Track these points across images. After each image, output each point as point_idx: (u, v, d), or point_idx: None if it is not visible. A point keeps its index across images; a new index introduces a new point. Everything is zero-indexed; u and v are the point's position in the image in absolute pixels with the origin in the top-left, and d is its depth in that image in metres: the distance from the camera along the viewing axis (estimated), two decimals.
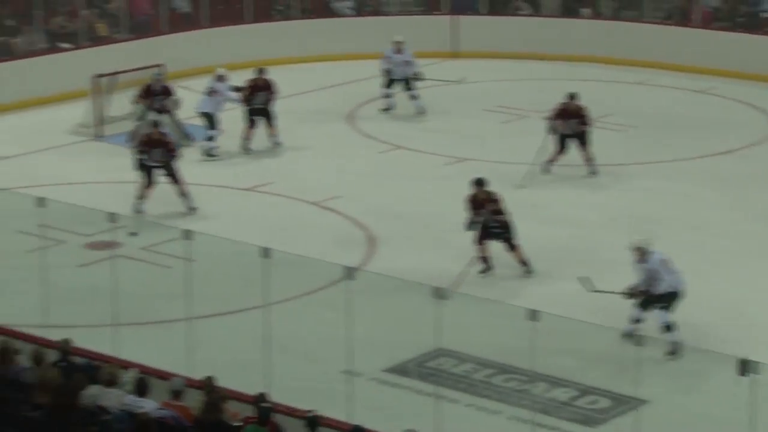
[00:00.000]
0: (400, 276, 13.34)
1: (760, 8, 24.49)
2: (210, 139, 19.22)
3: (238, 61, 22.76)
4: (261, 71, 19.64)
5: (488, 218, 14.81)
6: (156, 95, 19.60)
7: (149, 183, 16.73)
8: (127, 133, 19.15)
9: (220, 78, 19.45)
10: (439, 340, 11.35)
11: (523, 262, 14.80)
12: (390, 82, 21.43)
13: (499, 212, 14.85)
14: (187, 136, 19.72)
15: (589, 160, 18.28)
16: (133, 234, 14.90)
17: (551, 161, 18.22)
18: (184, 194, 16.76)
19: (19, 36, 22.74)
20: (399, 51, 21.27)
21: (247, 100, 19.43)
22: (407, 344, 12.64)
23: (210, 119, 19.23)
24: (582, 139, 18.25)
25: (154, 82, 19.68)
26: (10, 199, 15.39)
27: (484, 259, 14.82)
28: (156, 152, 16.71)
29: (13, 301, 13.51)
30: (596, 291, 13.18)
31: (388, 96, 21.46)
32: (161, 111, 19.46)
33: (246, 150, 19.36)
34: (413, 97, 21.34)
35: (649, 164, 18.92)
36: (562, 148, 18.18)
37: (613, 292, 12.83)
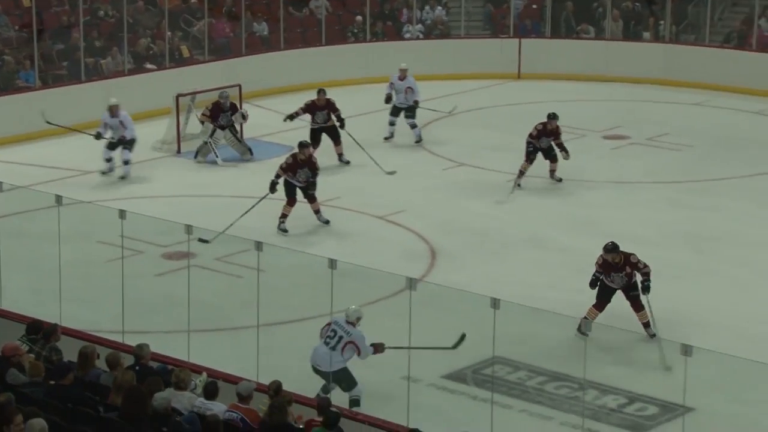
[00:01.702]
0: (459, 287, 13.39)
1: None
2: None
3: (311, 81, 22.97)
4: (320, 92, 19.75)
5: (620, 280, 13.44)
6: (224, 112, 19.94)
7: (293, 202, 16.86)
8: (197, 149, 19.63)
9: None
10: (495, 348, 11.38)
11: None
12: (394, 110, 20.90)
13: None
14: (248, 151, 20.04)
15: (553, 172, 18.54)
16: (203, 241, 14.99)
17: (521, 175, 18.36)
18: (318, 211, 16.99)
19: (107, 57, 23.06)
20: (403, 78, 20.76)
21: (311, 119, 19.64)
22: (464, 352, 12.66)
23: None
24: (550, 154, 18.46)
25: (223, 100, 19.99)
26: (93, 211, 15.64)
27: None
28: (302, 173, 16.81)
29: (94, 308, 13.74)
30: None
31: (392, 124, 20.97)
32: (225, 127, 19.87)
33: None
34: (412, 126, 20.81)
35: (705, 182, 18.79)
36: (531, 160, 18.38)
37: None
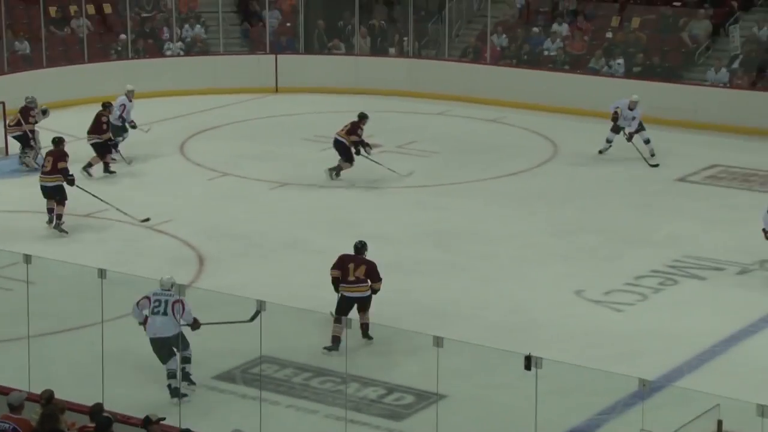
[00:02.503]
0: (227, 291, 13.22)
1: (542, 47, 25.11)
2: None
3: (76, 97, 22.35)
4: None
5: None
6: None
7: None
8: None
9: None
10: (262, 348, 11.27)
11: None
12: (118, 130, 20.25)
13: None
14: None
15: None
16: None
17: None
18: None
19: None
20: (131, 99, 20.30)
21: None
22: (234, 353, 12.52)
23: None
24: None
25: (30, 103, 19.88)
26: None
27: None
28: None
29: None
30: None
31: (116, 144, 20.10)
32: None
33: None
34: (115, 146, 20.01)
35: (450, 185, 19.17)
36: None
37: None
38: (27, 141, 19.77)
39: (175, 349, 11.76)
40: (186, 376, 11.86)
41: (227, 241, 16.51)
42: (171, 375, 11.72)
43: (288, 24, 26.44)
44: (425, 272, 15.34)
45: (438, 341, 9.93)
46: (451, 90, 24.66)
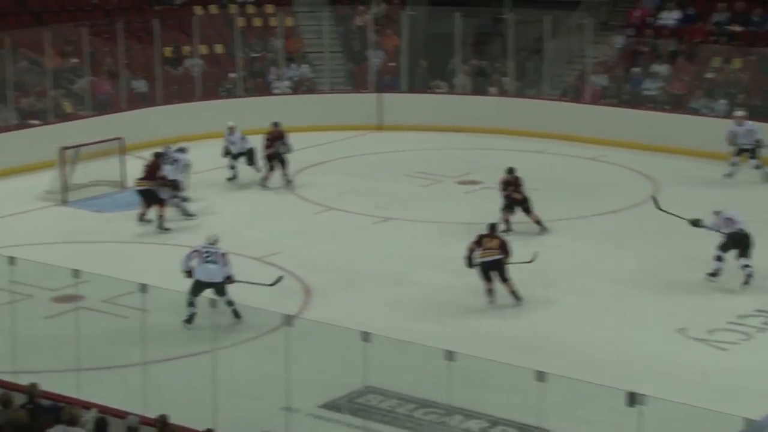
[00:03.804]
0: (332, 322, 13.29)
1: (642, 87, 24.90)
2: (184, 200, 19.17)
3: (188, 133, 22.75)
4: (275, 124, 20.67)
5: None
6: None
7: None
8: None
9: (181, 149, 19.53)
10: (367, 378, 11.29)
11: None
12: (233, 156, 21.03)
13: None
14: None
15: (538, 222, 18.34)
16: None
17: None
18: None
19: None
20: (232, 132, 20.99)
21: (267, 148, 20.60)
22: (339, 383, 12.56)
23: (176, 185, 19.12)
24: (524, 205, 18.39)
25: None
26: None
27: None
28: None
29: None
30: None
31: (232, 167, 21.07)
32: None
33: (264, 187, 20.63)
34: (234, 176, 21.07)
35: (550, 222, 19.03)
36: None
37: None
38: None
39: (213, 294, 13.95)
40: (235, 313, 14.19)
41: (332, 273, 16.61)
42: (192, 304, 14.00)
43: (391, 63, 26.62)
44: (523, 308, 15.23)
45: (540, 376, 9.84)
46: (549, 128, 24.56)
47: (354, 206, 19.86)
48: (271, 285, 13.53)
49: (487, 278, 15.27)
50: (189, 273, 14.43)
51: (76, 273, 12.07)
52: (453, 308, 15.36)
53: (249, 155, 21.12)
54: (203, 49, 25.86)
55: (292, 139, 21.20)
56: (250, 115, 23.76)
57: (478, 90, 26.04)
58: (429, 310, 15.22)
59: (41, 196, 20.24)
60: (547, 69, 25.59)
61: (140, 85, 24.85)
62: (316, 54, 26.75)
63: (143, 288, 11.65)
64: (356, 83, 26.61)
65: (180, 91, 25.21)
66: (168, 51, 25.54)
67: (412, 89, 26.15)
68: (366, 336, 10.67)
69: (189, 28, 25.35)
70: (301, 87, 26.31)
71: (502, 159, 23.01)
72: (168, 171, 19.06)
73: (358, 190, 20.88)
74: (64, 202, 20.07)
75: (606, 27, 26.49)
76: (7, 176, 21.42)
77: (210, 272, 14.33)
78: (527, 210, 18.37)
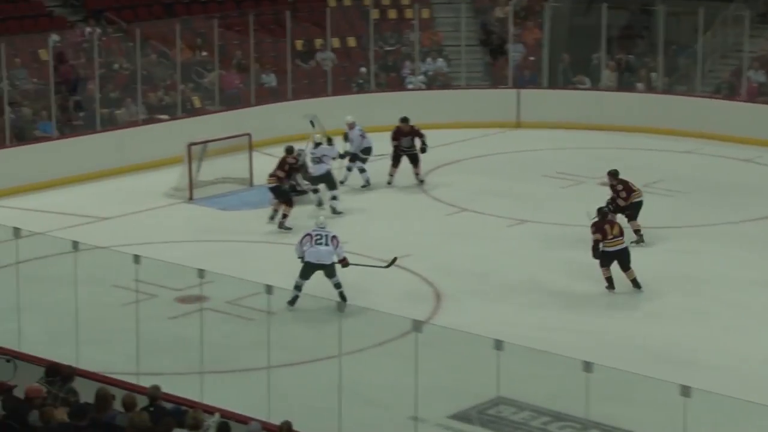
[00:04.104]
0: (463, 329, 13.28)
1: None
2: (334, 198, 19.44)
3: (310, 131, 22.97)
4: (404, 120, 20.81)
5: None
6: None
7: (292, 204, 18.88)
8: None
9: (317, 144, 19.71)
10: (499, 388, 11.26)
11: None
12: (351, 156, 20.91)
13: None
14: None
15: (636, 231, 17.83)
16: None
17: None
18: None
19: (121, 108, 23.08)
20: (351, 128, 20.89)
21: (394, 144, 20.77)
22: (470, 393, 12.54)
23: (329, 179, 19.47)
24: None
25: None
26: (109, 257, 15.58)
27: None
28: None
29: (109, 351, 13.62)
30: None
31: (349, 169, 20.93)
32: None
33: (390, 183, 20.88)
34: (362, 170, 20.86)
35: (699, 227, 18.70)
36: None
37: None
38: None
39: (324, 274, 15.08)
40: (341, 296, 15.08)
41: (464, 278, 16.61)
42: (298, 288, 15.00)
43: (532, 58, 26.48)
44: (667, 317, 15.00)
45: (685, 391, 9.67)
46: (701, 127, 24.09)
47: (489, 207, 19.81)
48: (386, 267, 13.70)
49: (608, 266, 15.81)
50: (303, 259, 15.41)
51: (200, 273, 12.32)
52: (591, 316, 15.22)
53: (364, 154, 20.87)
54: (335, 43, 26.11)
55: (426, 136, 21.22)
56: (381, 111, 23.92)
57: (624, 86, 25.69)
58: (566, 317, 15.09)
59: (167, 193, 20.69)
60: (700, 64, 25.10)
61: (270, 80, 25.22)
62: (453, 48, 26.76)
63: (269, 289, 11.81)
64: (494, 78, 26.54)
65: (310, 86, 25.50)
66: (299, 44, 25.85)
67: (552, 85, 25.96)
68: (499, 344, 10.63)
69: (322, 20, 25.53)
70: (436, 82, 26.36)
71: (649, 159, 22.74)
72: (318, 168, 19.37)
73: (494, 190, 20.82)
74: (190, 199, 20.49)
75: (765, 20, 25.85)
76: (134, 172, 21.94)
77: (320, 254, 15.23)
78: (630, 216, 17.80)
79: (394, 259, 14.70)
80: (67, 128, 22.36)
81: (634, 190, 17.86)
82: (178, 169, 20.90)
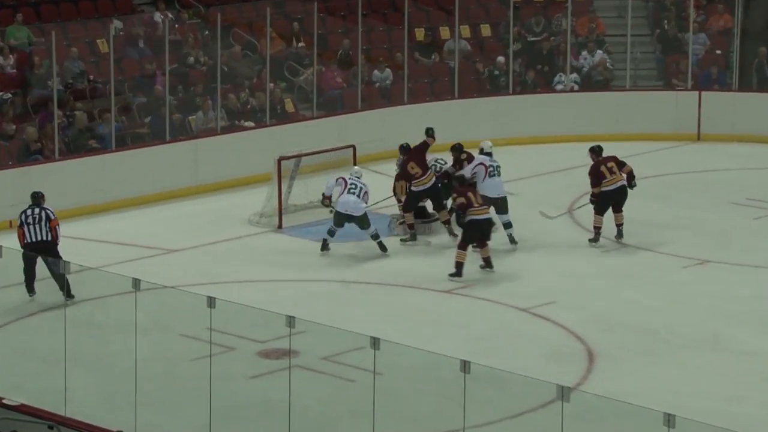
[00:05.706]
0: (622, 398, 13.25)
1: None
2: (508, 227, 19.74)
3: (438, 143, 23.05)
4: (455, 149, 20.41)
5: None
6: None
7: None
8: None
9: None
10: None
11: None
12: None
13: None
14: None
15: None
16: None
17: None
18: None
19: (196, 112, 23.21)
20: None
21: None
22: None
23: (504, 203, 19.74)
24: None
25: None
26: (177, 298, 15.80)
27: None
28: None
29: (175, 416, 13.86)
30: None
31: None
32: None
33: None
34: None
35: None
36: None
37: None
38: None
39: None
40: (381, 246, 19.10)
41: (624, 333, 16.59)
42: (331, 233, 19.06)
43: (717, 51, 26.32)
44: None
45: None
46: None
47: (660, 243, 19.73)
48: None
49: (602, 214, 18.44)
50: (329, 199, 19.29)
51: (290, 321, 12.48)
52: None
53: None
54: (465, 31, 26.25)
55: (576, 150, 21.18)
56: (520, 119, 24.04)
57: None
58: (755, 386, 14.94)
59: (251, 220, 20.96)
60: None
61: (383, 77, 25.39)
62: (617, 38, 26.75)
63: (375, 343, 11.93)
64: (668, 77, 26.46)
65: (432, 86, 25.65)
66: (420, 33, 26.05)
67: (745, 86, 25.79)
68: (670, 419, 10.61)
69: (449, 3, 25.63)
70: (595, 77, 26.31)
71: None
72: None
73: (666, 221, 20.73)
74: (279, 227, 20.73)
75: None
76: (210, 193, 22.32)
77: (349, 204, 18.94)
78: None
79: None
80: (129, 137, 22.72)
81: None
82: (264, 190, 21.17)
